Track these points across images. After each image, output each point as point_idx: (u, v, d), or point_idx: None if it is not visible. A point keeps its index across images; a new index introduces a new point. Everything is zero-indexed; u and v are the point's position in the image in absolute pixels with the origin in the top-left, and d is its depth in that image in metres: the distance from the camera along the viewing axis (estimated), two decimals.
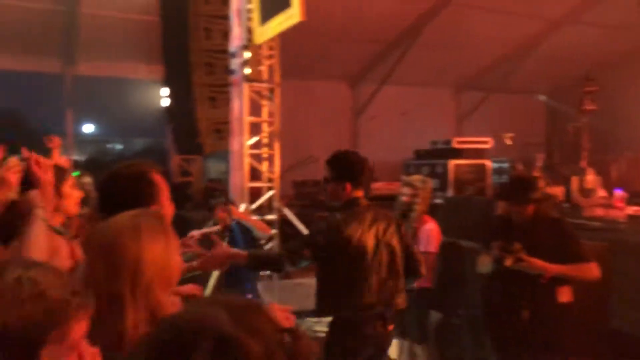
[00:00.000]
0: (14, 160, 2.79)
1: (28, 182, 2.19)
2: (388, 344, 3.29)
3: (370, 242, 3.06)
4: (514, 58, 14.92)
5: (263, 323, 0.89)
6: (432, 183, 4.78)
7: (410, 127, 14.61)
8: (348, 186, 3.19)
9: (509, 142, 10.09)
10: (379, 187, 10.42)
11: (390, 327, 3.16)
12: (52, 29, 11.76)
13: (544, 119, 17.48)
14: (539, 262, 3.27)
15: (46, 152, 2.47)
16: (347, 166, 3.28)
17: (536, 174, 7.62)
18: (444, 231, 4.65)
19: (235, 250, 3.25)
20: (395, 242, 3.18)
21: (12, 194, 2.31)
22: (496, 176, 10.51)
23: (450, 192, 9.17)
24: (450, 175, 9.44)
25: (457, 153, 9.80)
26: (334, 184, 3.23)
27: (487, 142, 10.21)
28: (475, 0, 12.14)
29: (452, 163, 9.60)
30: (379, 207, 3.30)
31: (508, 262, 3.24)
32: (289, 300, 4.59)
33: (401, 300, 3.16)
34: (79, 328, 1.12)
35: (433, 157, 10.27)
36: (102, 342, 1.22)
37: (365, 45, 13.66)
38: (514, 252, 3.22)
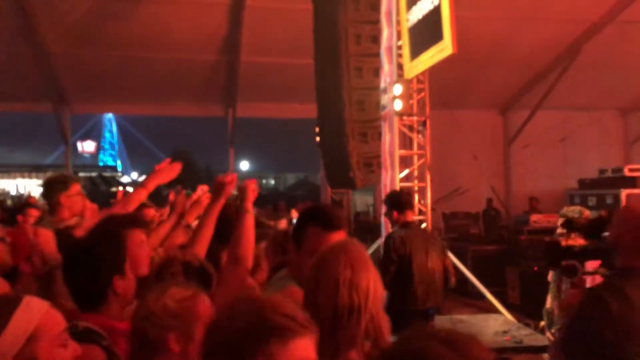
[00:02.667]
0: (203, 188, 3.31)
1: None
2: None
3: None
4: None
5: (483, 353, 0.89)
6: (591, 215, 4.37)
7: (571, 154, 13.67)
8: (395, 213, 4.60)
9: None
10: (537, 219, 9.85)
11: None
12: (215, 77, 13.00)
13: None
14: None
15: (212, 186, 2.80)
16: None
17: None
18: None
19: None
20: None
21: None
22: None
23: None
24: None
25: (631, 182, 8.87)
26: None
27: None
28: (638, 16, 11.15)
29: (625, 193, 8.71)
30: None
31: None
32: None
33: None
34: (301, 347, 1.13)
35: (601, 186, 9.40)
36: None
37: (515, 71, 13.15)
38: None
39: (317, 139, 8.77)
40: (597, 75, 12.96)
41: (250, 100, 13.68)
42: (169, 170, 3.27)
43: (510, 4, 10.72)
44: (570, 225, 3.74)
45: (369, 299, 1.60)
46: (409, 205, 4.92)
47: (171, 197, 3.38)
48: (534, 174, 14.04)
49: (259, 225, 3.07)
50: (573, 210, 4.28)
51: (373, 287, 1.63)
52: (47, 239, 2.56)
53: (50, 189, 3.28)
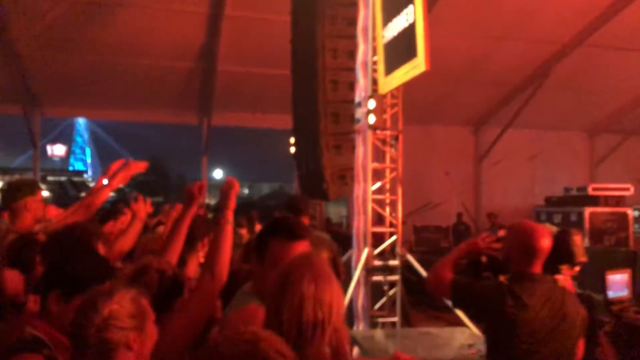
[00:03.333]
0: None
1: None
2: None
3: None
4: None
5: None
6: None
7: (539, 172, 14.00)
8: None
9: None
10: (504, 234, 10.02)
11: None
12: (191, 85, 12.97)
13: None
14: None
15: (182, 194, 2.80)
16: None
17: None
18: (579, 284, 4.37)
19: None
20: None
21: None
22: (637, 225, 9.69)
23: (586, 243, 8.61)
24: (587, 224, 8.85)
25: (594, 200, 9.18)
26: None
27: (628, 189, 9.48)
28: (608, 40, 11.54)
29: (589, 211, 9.00)
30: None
31: None
32: (412, 350, 4.53)
33: None
34: None
35: (566, 204, 9.70)
36: None
37: (489, 88, 13.44)
38: None
39: (292, 149, 8.82)
40: (566, 97, 13.34)
41: (225, 109, 13.67)
42: (131, 168, 3.30)
43: (484, 24, 10.99)
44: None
45: (332, 313, 1.63)
46: (304, 211, 5.23)
47: (132, 205, 3.42)
48: (504, 191, 14.33)
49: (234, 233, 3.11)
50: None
51: (336, 300, 1.66)
52: (14, 280, 2.51)
53: (17, 192, 3.22)
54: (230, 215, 2.33)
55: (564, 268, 2.98)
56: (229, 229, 2.31)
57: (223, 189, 2.37)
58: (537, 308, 2.65)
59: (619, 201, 9.33)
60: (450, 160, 14.33)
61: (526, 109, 13.31)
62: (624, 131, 14.95)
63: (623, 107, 14.48)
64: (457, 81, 12.49)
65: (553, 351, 2.65)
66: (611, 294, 3.19)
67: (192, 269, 2.95)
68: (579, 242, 3.07)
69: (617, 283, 3.20)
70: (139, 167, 3.36)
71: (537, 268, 2.77)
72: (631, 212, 9.30)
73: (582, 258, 3.03)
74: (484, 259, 3.26)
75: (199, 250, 3.02)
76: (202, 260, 2.88)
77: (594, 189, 9.46)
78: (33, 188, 3.26)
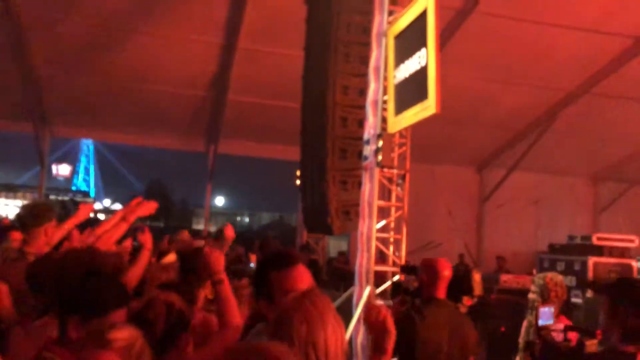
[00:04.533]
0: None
1: None
2: None
3: None
4: None
5: None
6: (562, 280, 4.57)
7: (543, 217, 13.97)
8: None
9: None
10: (507, 279, 9.97)
11: None
12: (200, 113, 13.11)
13: None
14: None
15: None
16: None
17: None
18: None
19: None
20: None
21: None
22: None
23: (590, 293, 8.52)
24: (590, 274, 8.78)
25: (598, 250, 9.13)
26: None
27: (633, 241, 9.44)
28: (615, 89, 11.68)
29: (592, 260, 8.95)
30: None
31: None
32: None
33: None
34: None
35: (570, 252, 9.64)
36: None
37: (494, 131, 13.54)
38: None
39: (298, 182, 8.85)
40: (571, 143, 13.42)
41: (233, 138, 13.78)
42: (146, 208, 3.40)
43: (492, 67, 11.16)
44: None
45: (328, 355, 1.61)
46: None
47: (139, 236, 3.51)
48: (506, 234, 14.27)
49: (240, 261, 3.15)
50: (540, 277, 4.46)
51: (332, 340, 1.64)
52: (1, 295, 2.51)
53: (40, 218, 3.24)
54: (222, 275, 2.51)
55: (465, 298, 3.99)
56: (224, 288, 2.48)
57: (207, 260, 2.52)
58: (440, 327, 3.26)
59: (623, 252, 9.28)
60: (454, 201, 14.33)
61: (531, 153, 13.38)
62: (628, 180, 14.98)
63: (628, 156, 14.52)
64: (464, 122, 12.60)
65: None
66: (541, 322, 3.70)
67: (200, 304, 2.96)
68: (478, 279, 4.12)
69: (546, 314, 3.75)
70: (150, 208, 3.47)
71: (442, 294, 3.47)
72: (636, 264, 9.24)
73: (479, 292, 4.09)
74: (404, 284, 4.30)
75: (207, 286, 3.03)
76: (210, 295, 2.89)
77: (599, 239, 9.42)
78: (52, 215, 3.31)
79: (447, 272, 3.52)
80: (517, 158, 13.67)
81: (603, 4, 9.72)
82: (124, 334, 1.64)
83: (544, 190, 14.32)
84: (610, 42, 10.68)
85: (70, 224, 3.48)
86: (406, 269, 5.14)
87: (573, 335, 3.40)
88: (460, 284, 3.85)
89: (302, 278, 2.10)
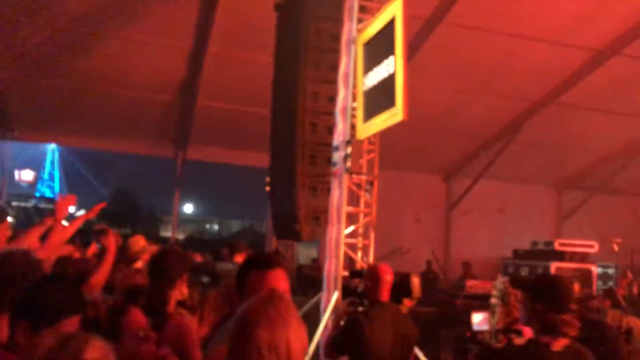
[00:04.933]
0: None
1: None
2: None
3: None
4: (621, 158, 14.35)
5: None
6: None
7: (508, 224, 14.24)
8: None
9: (616, 247, 9.55)
10: (473, 285, 10.12)
11: None
12: (169, 118, 12.97)
13: None
14: None
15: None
16: None
17: None
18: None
19: None
20: None
21: None
22: (600, 282, 9.90)
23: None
24: None
25: (560, 255, 9.40)
26: None
27: (593, 246, 9.72)
28: (578, 100, 12.01)
29: (554, 265, 9.21)
30: None
31: None
32: None
33: None
34: None
35: (533, 258, 9.91)
36: None
37: (461, 140, 13.77)
38: None
39: (267, 188, 8.82)
40: (536, 152, 13.74)
41: (202, 144, 13.68)
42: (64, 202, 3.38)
43: (460, 77, 11.35)
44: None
45: (290, 358, 1.62)
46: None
47: (102, 239, 3.48)
48: (472, 241, 14.50)
49: (210, 273, 3.13)
50: (500, 282, 4.54)
51: (294, 343, 1.64)
52: None
53: None
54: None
55: (406, 300, 4.36)
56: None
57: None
58: (384, 327, 3.58)
59: (584, 257, 9.56)
60: (422, 208, 14.51)
61: (497, 162, 13.65)
62: (590, 189, 15.38)
63: (590, 165, 14.95)
64: (431, 131, 12.78)
65: None
66: (475, 327, 4.05)
67: (173, 306, 2.92)
68: (417, 283, 4.58)
69: (479, 320, 4.10)
70: (69, 201, 3.43)
71: (385, 297, 3.84)
72: (595, 269, 9.51)
73: (418, 295, 4.50)
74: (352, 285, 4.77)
75: (178, 287, 3.00)
76: (180, 297, 2.86)
77: (561, 245, 9.69)
78: (3, 216, 3.23)
79: (388, 277, 3.90)
80: (483, 167, 13.92)
81: (567, 17, 10.00)
82: (98, 354, 1.58)
83: (509, 198, 14.62)
84: (572, 54, 10.99)
85: (50, 221, 3.36)
86: (354, 274, 5.51)
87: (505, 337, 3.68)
88: (401, 288, 4.32)
89: (280, 282, 2.14)
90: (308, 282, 10.87)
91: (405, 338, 3.74)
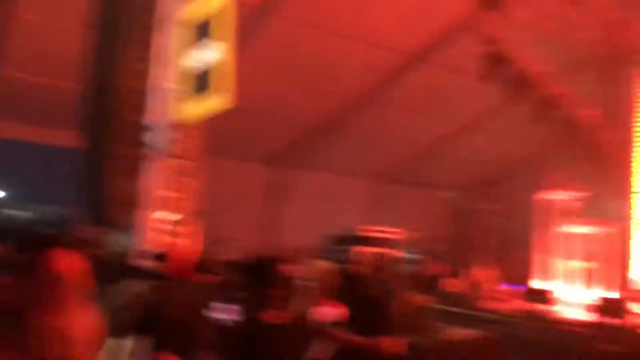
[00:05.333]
0: None
1: None
2: None
3: None
4: (429, 156, 15.78)
5: None
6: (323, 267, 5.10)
7: (328, 213, 14.90)
8: None
9: (417, 234, 10.63)
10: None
11: None
12: None
13: (451, 215, 18.36)
14: None
15: None
16: None
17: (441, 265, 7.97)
18: None
19: None
20: None
21: None
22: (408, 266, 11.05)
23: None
24: (351, 262, 10.23)
25: (362, 240, 10.56)
26: None
27: (396, 233, 10.78)
28: (391, 99, 12.97)
29: (354, 249, 10.37)
30: None
31: None
32: None
33: None
34: None
35: (340, 243, 10.95)
36: None
37: (284, 130, 14.06)
38: None
39: (76, 171, 8.13)
40: (356, 147, 14.57)
41: (8, 122, 12.14)
42: None
43: (286, 68, 11.59)
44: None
45: (71, 342, 1.57)
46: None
47: None
48: (294, 229, 14.95)
49: None
50: (313, 264, 4.75)
51: (76, 329, 1.60)
52: None
53: None
54: None
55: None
56: None
57: None
58: (180, 303, 3.77)
59: (386, 243, 10.82)
60: (245, 196, 14.57)
61: (319, 153, 14.22)
62: (401, 182, 16.73)
63: (404, 161, 16.23)
64: (256, 119, 12.85)
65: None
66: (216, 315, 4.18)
67: None
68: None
69: (220, 309, 4.29)
70: None
71: (178, 273, 3.96)
72: (391, 252, 10.80)
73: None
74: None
75: None
76: None
77: (360, 231, 10.90)
78: None
79: (180, 256, 4.07)
80: (305, 157, 14.40)
81: (388, 22, 10.74)
82: None
83: (328, 189, 15.32)
84: (388, 57, 11.85)
85: None
86: (156, 257, 5.57)
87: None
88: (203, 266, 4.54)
89: (65, 264, 1.99)
90: (121, 269, 10.31)
91: (197, 313, 3.93)
